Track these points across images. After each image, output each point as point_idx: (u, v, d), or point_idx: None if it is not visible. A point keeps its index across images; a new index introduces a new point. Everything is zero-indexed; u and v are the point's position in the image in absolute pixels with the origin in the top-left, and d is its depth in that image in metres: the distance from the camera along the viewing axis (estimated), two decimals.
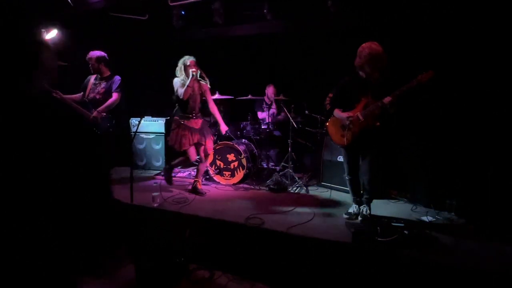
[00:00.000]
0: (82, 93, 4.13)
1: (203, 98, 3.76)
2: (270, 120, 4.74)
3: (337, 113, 2.96)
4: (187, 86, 3.48)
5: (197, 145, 3.70)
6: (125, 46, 5.25)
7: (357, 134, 2.86)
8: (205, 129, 3.80)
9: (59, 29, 4.69)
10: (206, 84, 3.75)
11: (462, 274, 2.13)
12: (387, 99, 2.67)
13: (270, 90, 5.12)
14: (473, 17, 3.22)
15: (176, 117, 3.72)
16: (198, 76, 3.55)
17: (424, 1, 3.52)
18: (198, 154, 3.77)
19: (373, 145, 2.87)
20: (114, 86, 4.26)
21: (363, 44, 2.76)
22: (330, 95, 3.03)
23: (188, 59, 3.57)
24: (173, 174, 4.61)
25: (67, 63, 4.81)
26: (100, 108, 4.06)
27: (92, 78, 4.14)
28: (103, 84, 4.15)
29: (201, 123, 3.75)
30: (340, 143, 3.00)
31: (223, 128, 3.83)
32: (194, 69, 3.47)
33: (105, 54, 4.10)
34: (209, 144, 3.81)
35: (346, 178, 3.13)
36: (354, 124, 2.85)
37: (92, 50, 4.18)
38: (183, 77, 3.60)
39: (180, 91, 3.53)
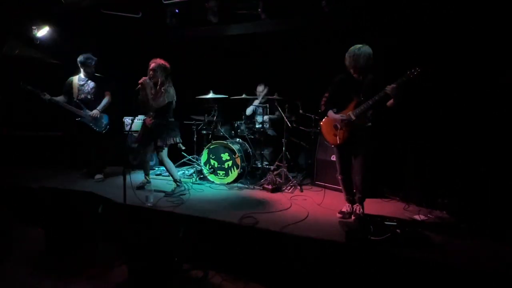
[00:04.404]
0: (63, 95, 4.10)
1: None
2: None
3: (331, 114, 3.00)
4: None
5: None
6: (118, 44, 5.19)
7: (349, 133, 2.89)
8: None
9: (50, 27, 4.63)
10: None
11: (453, 272, 2.16)
12: (379, 96, 2.70)
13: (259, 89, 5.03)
14: (473, 17, 3.24)
15: None
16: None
17: (424, 1, 3.52)
18: None
19: (365, 144, 2.89)
20: (107, 85, 4.27)
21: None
22: (326, 94, 3.06)
23: None
24: (160, 172, 4.62)
25: (59, 62, 4.77)
26: (99, 108, 4.10)
27: (75, 79, 4.11)
28: (91, 84, 4.13)
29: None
30: (333, 142, 3.03)
31: None
32: None
33: None
34: None
35: (339, 177, 3.15)
36: (347, 123, 2.88)
37: (85, 49, 4.16)
38: None
39: None
